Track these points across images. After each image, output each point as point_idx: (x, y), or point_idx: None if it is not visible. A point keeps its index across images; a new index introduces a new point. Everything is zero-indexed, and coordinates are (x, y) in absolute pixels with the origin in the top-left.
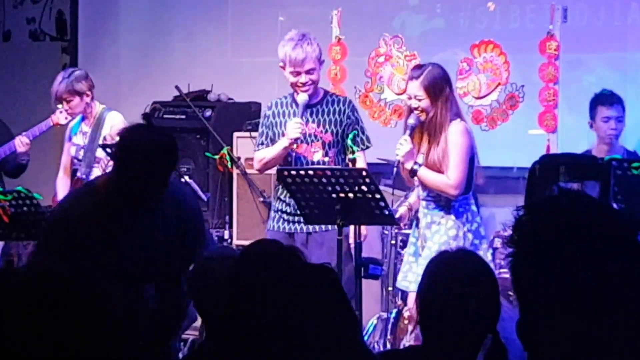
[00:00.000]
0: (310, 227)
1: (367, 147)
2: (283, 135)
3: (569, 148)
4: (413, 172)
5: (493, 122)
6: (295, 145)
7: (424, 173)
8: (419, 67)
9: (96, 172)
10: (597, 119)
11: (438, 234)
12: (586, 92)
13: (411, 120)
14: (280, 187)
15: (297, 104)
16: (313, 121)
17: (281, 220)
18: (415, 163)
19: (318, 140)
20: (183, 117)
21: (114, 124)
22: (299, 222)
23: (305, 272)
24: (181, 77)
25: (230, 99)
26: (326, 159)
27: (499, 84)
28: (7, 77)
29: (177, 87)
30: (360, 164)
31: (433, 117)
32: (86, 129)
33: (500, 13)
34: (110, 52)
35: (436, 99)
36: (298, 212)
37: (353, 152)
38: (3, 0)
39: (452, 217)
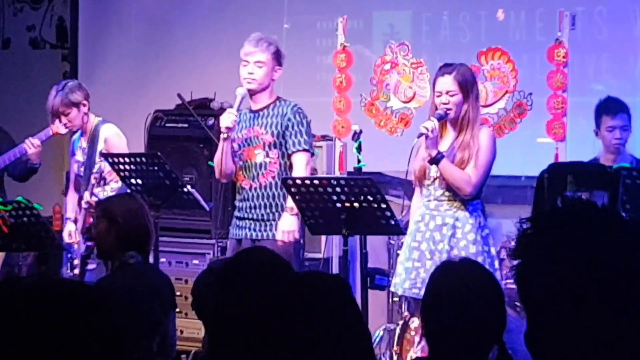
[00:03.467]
0: (257, 233)
1: (305, 150)
2: (234, 141)
3: (578, 156)
4: (435, 160)
5: (500, 131)
6: (230, 140)
7: (447, 163)
8: (447, 65)
9: (106, 191)
10: (602, 129)
11: (454, 237)
12: (595, 99)
13: (440, 111)
14: (238, 191)
15: (251, 112)
16: (258, 124)
17: (234, 226)
18: (439, 152)
19: (260, 143)
20: (186, 125)
21: (107, 136)
22: (244, 228)
23: (316, 281)
24: (183, 85)
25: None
26: (267, 159)
27: (506, 91)
28: (7, 85)
29: (179, 95)
30: (297, 168)
31: (465, 114)
32: (84, 145)
33: (508, 20)
34: (111, 59)
35: (468, 96)
36: (246, 216)
37: (359, 161)
38: (2, 8)
39: (470, 220)
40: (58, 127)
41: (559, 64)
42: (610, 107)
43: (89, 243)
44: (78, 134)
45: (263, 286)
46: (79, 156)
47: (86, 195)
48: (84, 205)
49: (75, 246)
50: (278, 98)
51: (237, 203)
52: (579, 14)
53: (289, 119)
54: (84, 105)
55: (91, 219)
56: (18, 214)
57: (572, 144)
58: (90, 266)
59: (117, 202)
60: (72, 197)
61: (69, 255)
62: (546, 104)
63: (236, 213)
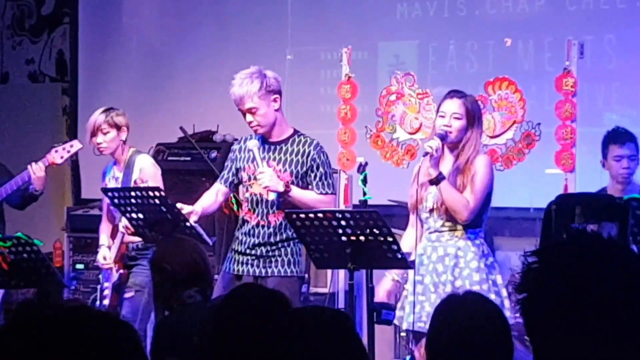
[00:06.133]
0: (260, 270)
1: (327, 193)
2: (243, 170)
3: (588, 187)
4: (436, 181)
5: (509, 162)
6: (250, 181)
7: (447, 185)
8: (457, 90)
9: None
10: (609, 158)
11: (458, 267)
12: (605, 129)
13: (440, 131)
14: (240, 223)
15: (261, 141)
16: (274, 159)
17: (232, 260)
18: (440, 173)
19: None
20: (188, 158)
21: (142, 166)
22: (245, 263)
23: (320, 317)
24: (186, 118)
25: (236, 139)
26: (281, 199)
27: (514, 122)
28: (6, 120)
29: (181, 128)
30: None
31: (466, 142)
32: (118, 174)
33: (516, 49)
34: (112, 92)
35: (472, 123)
36: (248, 252)
37: (364, 194)
38: (1, 41)
39: (472, 248)
40: (54, 157)
41: (568, 93)
42: (617, 137)
43: (122, 271)
44: (110, 163)
45: (262, 323)
46: (111, 186)
47: (124, 220)
48: (121, 229)
49: (114, 273)
50: (296, 131)
51: (238, 235)
52: (588, 42)
53: (314, 159)
54: (124, 131)
55: (125, 248)
56: (18, 250)
57: (582, 174)
58: (127, 294)
59: (159, 250)
60: (104, 227)
61: (100, 286)
62: (555, 135)
63: (236, 246)
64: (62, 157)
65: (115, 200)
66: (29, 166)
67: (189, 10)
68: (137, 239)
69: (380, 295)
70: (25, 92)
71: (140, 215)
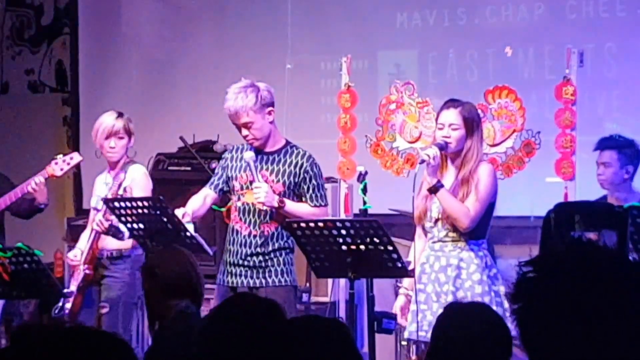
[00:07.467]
0: (255, 281)
1: (320, 205)
2: (235, 179)
3: (588, 196)
4: (435, 189)
5: (508, 170)
6: (242, 190)
7: (446, 194)
8: (454, 100)
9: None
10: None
11: (459, 278)
12: None
13: (439, 141)
14: (229, 234)
15: (254, 151)
16: (267, 169)
17: (225, 272)
18: (438, 181)
19: None
20: (188, 168)
21: (134, 177)
22: (239, 275)
23: (316, 326)
24: (186, 128)
25: None
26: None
27: (514, 130)
28: (6, 130)
29: (181, 138)
30: None
31: (468, 151)
32: (109, 180)
33: (516, 58)
34: (113, 102)
35: (471, 132)
36: (241, 263)
37: (364, 203)
38: (1, 51)
39: (474, 260)
40: (54, 169)
41: (567, 101)
42: (599, 143)
43: (88, 271)
44: (105, 170)
45: (257, 332)
46: (100, 191)
47: (99, 215)
48: (94, 226)
49: (80, 274)
50: (288, 142)
51: (229, 247)
52: (588, 51)
53: (307, 172)
54: (132, 139)
55: (98, 251)
56: (18, 260)
57: (582, 183)
58: (104, 310)
59: (152, 257)
60: (87, 233)
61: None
62: (555, 143)
63: (228, 257)
64: (61, 170)
65: (116, 211)
66: (30, 181)
67: (189, 20)
68: (113, 242)
69: (396, 313)
70: (25, 103)
71: (141, 225)
